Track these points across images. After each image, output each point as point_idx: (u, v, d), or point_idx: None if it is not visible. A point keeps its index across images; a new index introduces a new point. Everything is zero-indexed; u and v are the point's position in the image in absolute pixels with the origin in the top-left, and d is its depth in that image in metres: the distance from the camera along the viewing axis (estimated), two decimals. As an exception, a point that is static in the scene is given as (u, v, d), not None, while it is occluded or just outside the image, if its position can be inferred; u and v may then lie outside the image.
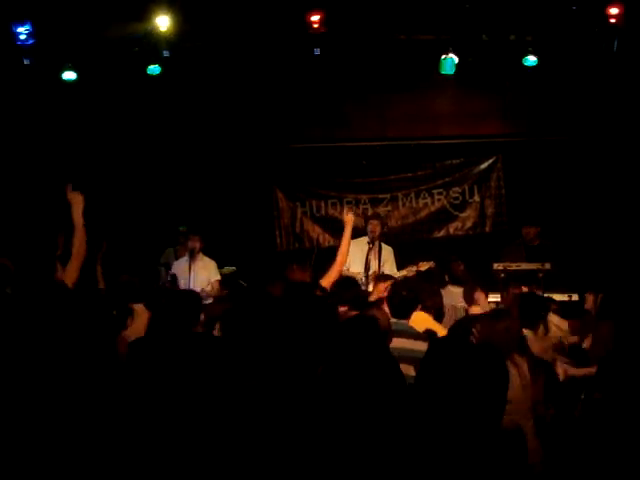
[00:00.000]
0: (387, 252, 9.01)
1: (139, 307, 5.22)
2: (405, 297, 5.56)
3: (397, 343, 4.96)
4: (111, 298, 4.89)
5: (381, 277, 6.86)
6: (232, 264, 9.23)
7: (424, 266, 8.40)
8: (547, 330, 6.09)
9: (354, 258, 8.95)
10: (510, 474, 2.48)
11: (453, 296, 7.79)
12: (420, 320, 5.70)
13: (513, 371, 4.41)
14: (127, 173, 10.31)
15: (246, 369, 3.12)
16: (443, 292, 7.05)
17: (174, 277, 7.80)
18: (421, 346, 5.25)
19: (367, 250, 8.87)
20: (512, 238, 9.33)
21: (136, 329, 4.74)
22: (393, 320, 5.21)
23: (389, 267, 8.80)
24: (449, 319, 6.50)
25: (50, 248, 7.21)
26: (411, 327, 5.54)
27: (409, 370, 4.30)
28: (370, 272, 8.54)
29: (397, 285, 5.98)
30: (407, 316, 5.52)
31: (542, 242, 8.67)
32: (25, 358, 3.22)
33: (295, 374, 3.07)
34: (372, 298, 6.29)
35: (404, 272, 8.46)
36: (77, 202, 4.69)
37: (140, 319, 4.91)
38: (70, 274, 4.37)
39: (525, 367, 4.60)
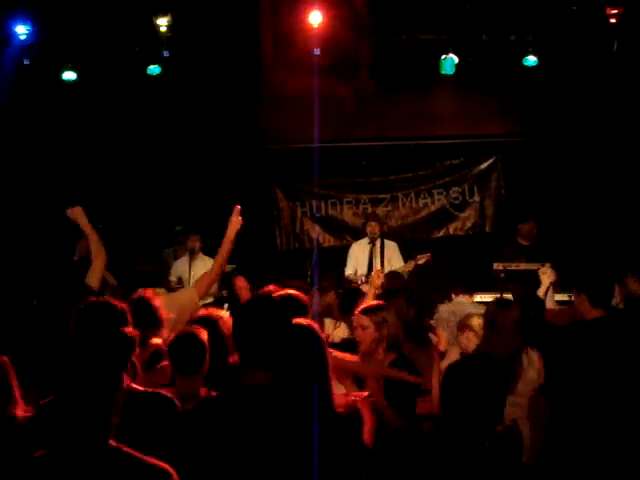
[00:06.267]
0: (391, 248, 9.04)
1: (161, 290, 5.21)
2: None
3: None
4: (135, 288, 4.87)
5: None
6: (232, 264, 9.22)
7: (421, 259, 8.43)
8: None
9: (359, 260, 8.99)
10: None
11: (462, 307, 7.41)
12: None
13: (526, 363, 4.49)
14: (127, 173, 10.31)
15: None
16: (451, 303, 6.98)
17: (180, 279, 7.84)
18: None
19: (369, 250, 8.90)
20: (511, 238, 9.31)
21: None
22: None
23: (395, 262, 8.81)
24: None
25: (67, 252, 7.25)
26: None
27: None
28: (373, 272, 8.54)
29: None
30: None
31: (536, 242, 8.64)
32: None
33: None
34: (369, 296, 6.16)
35: (404, 267, 8.49)
36: (79, 215, 4.82)
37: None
38: (94, 277, 4.48)
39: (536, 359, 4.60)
